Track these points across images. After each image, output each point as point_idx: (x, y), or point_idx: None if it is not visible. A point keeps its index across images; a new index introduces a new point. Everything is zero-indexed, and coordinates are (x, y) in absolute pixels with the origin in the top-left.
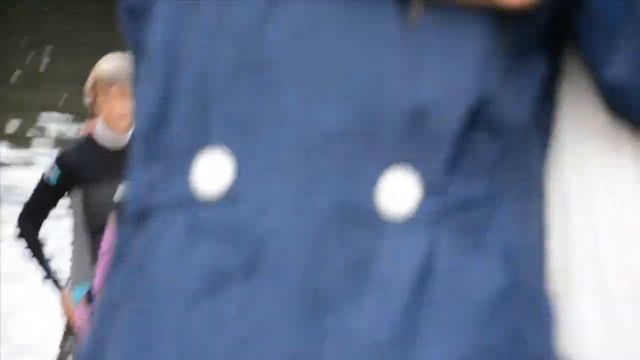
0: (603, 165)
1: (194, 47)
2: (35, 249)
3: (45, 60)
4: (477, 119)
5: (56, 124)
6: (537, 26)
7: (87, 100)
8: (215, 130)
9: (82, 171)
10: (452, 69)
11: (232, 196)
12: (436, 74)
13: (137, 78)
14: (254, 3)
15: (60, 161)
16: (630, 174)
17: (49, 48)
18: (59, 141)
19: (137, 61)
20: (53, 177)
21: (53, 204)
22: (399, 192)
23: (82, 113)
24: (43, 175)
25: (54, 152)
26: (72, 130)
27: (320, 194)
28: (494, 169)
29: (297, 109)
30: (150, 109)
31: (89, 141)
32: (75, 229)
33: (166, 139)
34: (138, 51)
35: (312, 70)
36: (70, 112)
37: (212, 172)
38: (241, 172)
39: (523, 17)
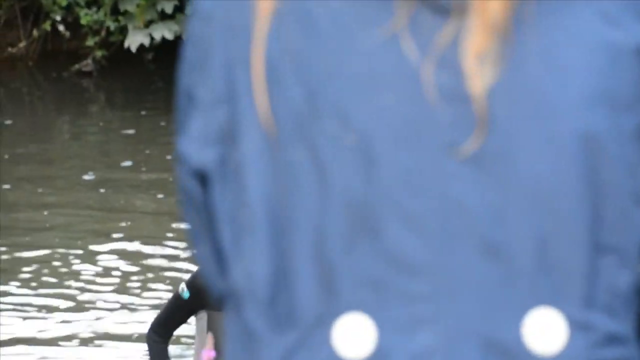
0: None
1: (302, 214)
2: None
3: None
4: (600, 241)
5: None
6: None
7: None
8: (346, 295)
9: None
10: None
11: (380, 356)
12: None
13: (208, 240)
14: (352, 167)
15: (190, 284)
16: None
17: None
18: None
19: (201, 219)
20: (185, 294)
21: (184, 319)
22: (546, 330)
23: None
24: (179, 289)
25: None
26: None
27: (467, 339)
28: (631, 299)
29: (425, 260)
30: (264, 275)
31: None
32: (196, 349)
33: (292, 306)
34: (201, 208)
35: (430, 219)
36: None
37: (355, 337)
38: (383, 331)
39: None
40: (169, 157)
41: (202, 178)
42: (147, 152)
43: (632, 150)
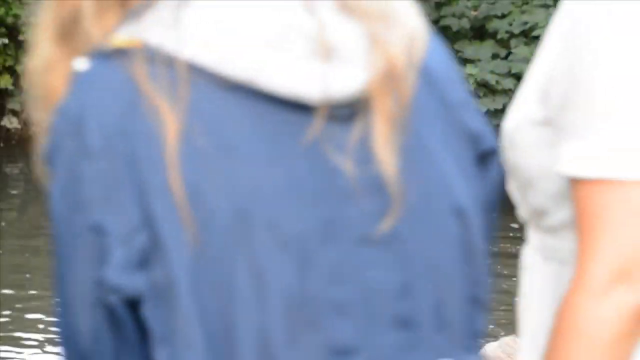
0: None
1: (243, 320)
2: None
3: None
4: (473, 295)
5: None
6: None
7: None
8: None
9: None
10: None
11: None
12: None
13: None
14: (289, 269)
15: None
16: None
17: None
18: None
19: (123, 343)
20: None
21: None
22: None
23: None
24: None
25: None
26: None
27: None
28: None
29: (355, 342)
30: None
31: None
32: None
33: None
34: (129, 333)
35: (355, 305)
36: None
37: None
38: None
39: None
40: None
41: (132, 303)
42: None
43: (483, 217)
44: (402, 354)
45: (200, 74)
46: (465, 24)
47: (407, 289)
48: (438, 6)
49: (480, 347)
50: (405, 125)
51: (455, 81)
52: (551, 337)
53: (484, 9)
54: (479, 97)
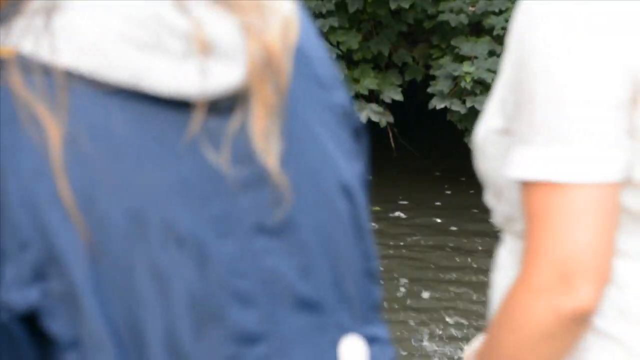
0: None
1: (150, 323)
2: None
3: None
4: (367, 269)
5: None
6: None
7: None
8: None
9: None
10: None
11: None
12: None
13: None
14: (188, 268)
15: None
16: None
17: None
18: None
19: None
20: None
21: None
22: (354, 352)
23: None
24: None
25: None
26: None
27: None
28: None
29: (260, 329)
30: None
31: None
32: None
33: None
34: (25, 349)
35: (257, 293)
36: None
37: None
38: None
39: None
40: None
41: (27, 318)
42: None
43: (364, 192)
44: (309, 335)
45: (79, 81)
46: (463, 19)
47: (306, 272)
48: (436, 1)
49: (380, 317)
50: (285, 110)
51: (325, 59)
52: (490, 326)
53: (481, 5)
54: (475, 95)
